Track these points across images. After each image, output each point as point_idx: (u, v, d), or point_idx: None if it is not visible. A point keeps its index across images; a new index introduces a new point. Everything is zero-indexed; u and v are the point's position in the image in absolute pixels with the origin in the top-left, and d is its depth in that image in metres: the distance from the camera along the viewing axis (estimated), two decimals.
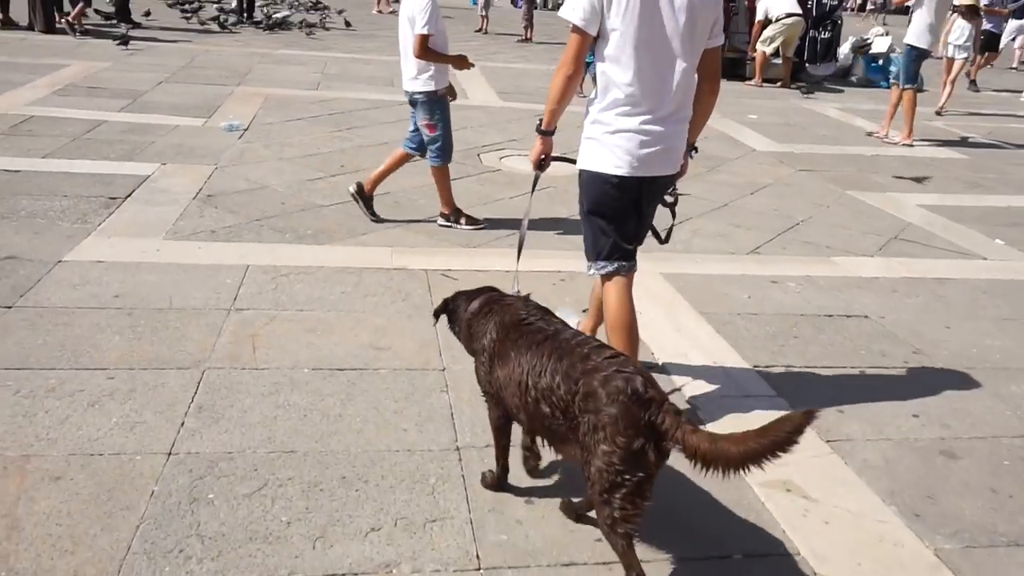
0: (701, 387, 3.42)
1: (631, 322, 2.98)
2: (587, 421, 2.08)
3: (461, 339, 2.66)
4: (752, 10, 13.21)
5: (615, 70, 2.81)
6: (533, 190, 3.26)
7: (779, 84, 12.86)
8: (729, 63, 13.29)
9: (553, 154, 3.09)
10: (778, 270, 4.94)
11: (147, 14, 14.12)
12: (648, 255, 4.89)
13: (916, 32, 8.63)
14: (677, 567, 2.37)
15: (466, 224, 5.33)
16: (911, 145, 8.99)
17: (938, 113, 11.09)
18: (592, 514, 2.35)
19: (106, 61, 10.31)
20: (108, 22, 13.41)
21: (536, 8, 17.75)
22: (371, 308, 3.96)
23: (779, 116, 10.36)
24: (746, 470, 1.96)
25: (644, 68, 2.77)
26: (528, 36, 16.55)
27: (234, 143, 6.96)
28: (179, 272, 4.19)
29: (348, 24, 15.83)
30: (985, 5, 13.85)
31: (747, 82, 12.83)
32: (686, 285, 4.54)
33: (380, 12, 19.72)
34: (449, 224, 5.34)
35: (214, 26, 14.53)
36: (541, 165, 3.08)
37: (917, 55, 8.74)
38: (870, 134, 9.54)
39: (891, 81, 13.48)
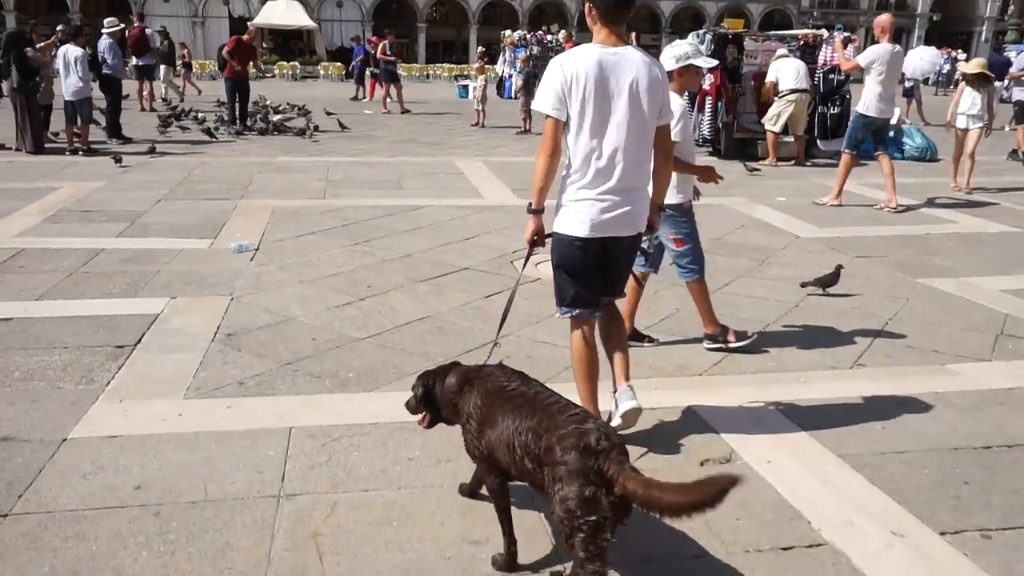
0: None
1: (590, 357, 3.46)
2: (547, 473, 2.34)
3: (443, 416, 2.87)
4: (758, 90, 12.94)
5: (576, 147, 3.25)
6: (525, 263, 3.66)
7: (793, 162, 12.48)
8: (739, 144, 12.98)
9: (547, 231, 3.39)
10: (897, 387, 4.28)
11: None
12: (750, 379, 4.40)
13: (866, 101, 8.84)
14: None
15: (736, 340, 4.73)
16: (839, 205, 9.24)
17: (968, 193, 10.51)
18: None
19: (99, 180, 9.76)
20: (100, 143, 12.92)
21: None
22: (448, 479, 3.24)
23: (807, 196, 9.87)
24: (679, 517, 2.21)
25: (600, 146, 3.21)
26: (527, 127, 16.27)
27: (247, 267, 6.33)
28: (210, 444, 3.47)
29: (343, 127, 15.45)
30: (1014, 73, 13.63)
31: (761, 162, 12.43)
32: (807, 417, 3.86)
33: (388, 112, 19.44)
34: (719, 345, 4.74)
35: (205, 136, 14.14)
36: (535, 243, 3.37)
37: (864, 123, 8.92)
38: (880, 207, 9.27)
39: (904, 152, 13.26)
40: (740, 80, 12.80)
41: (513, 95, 27.34)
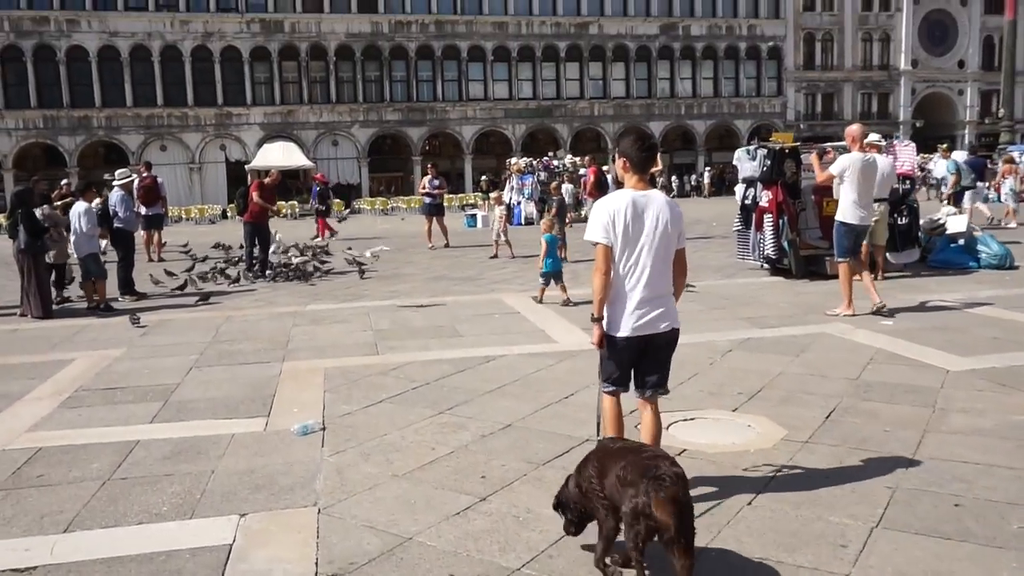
0: None
1: (621, 423, 4.28)
2: (625, 493, 3.22)
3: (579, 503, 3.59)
4: (819, 204, 12.09)
5: (618, 268, 4.07)
6: (601, 365, 4.27)
7: (874, 277, 11.43)
8: (808, 262, 12.01)
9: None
10: None
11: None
12: None
13: (843, 209, 8.99)
14: None
15: None
16: (852, 315, 8.99)
17: None
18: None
19: (117, 347, 8.59)
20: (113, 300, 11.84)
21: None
22: None
23: (918, 319, 8.77)
24: None
25: (637, 265, 4.05)
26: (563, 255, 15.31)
27: (321, 456, 5.09)
28: None
29: (361, 270, 14.26)
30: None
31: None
32: None
33: (433, 247, 18.62)
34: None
35: (223, 283, 13.11)
36: (602, 344, 4.15)
37: (846, 230, 8.98)
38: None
39: (981, 262, 12.31)
40: (800, 195, 11.95)
41: (523, 221, 26.87)
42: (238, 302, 11.59)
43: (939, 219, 13.10)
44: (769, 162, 11.86)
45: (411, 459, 4.99)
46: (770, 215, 11.89)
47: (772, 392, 6.27)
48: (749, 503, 4.19)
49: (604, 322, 4.12)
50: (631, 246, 4.03)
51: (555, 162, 29.14)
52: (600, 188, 18.09)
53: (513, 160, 28.88)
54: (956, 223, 12.92)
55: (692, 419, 5.71)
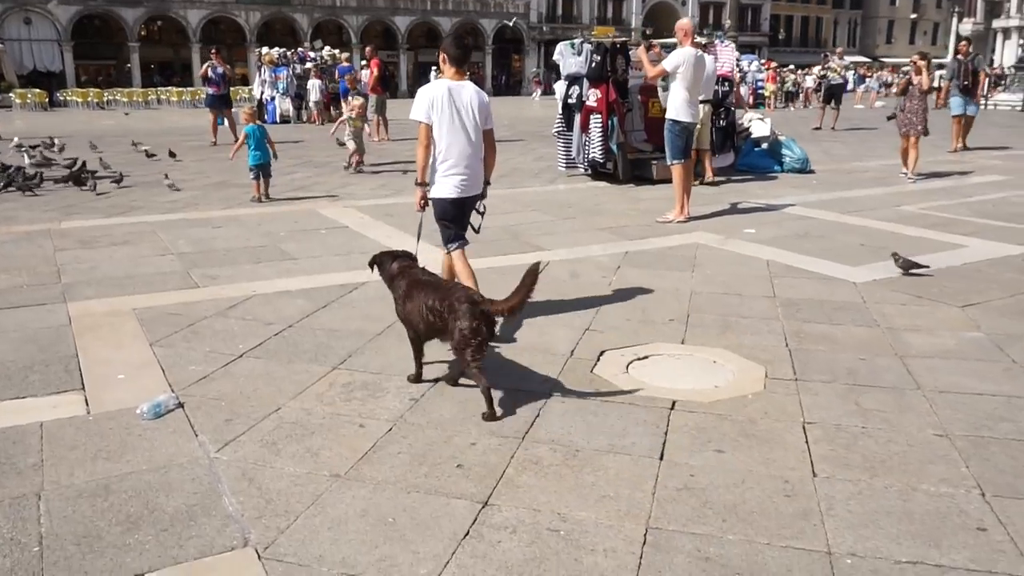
0: None
1: (470, 272, 5.09)
2: (452, 318, 3.89)
3: (384, 280, 4.46)
4: (645, 105, 11.55)
5: (440, 144, 4.88)
6: (420, 226, 5.14)
7: (698, 182, 11.20)
8: (633, 166, 11.50)
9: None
10: None
11: None
12: None
13: (675, 107, 8.47)
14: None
15: None
16: (685, 220, 8.69)
17: None
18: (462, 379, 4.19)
19: None
20: None
21: None
22: None
23: (775, 228, 8.52)
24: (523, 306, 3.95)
25: (455, 141, 4.88)
26: (359, 160, 13.62)
27: (205, 454, 3.52)
28: None
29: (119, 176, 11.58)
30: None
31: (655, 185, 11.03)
32: None
33: (215, 144, 15.93)
34: None
35: None
36: (424, 207, 5.01)
37: (680, 129, 8.51)
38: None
39: (784, 165, 12.56)
40: (628, 95, 11.29)
41: (278, 119, 24.17)
42: None
43: (744, 125, 13.16)
44: (598, 58, 11.01)
45: (342, 446, 3.59)
46: (598, 115, 11.14)
47: (703, 316, 5.53)
48: (827, 478, 3.35)
49: (433, 189, 4.99)
50: (448, 124, 4.86)
51: (311, 53, 26.45)
52: (383, 83, 16.44)
53: (265, 50, 25.72)
54: (760, 127, 13.04)
55: (646, 357, 4.80)
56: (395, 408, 4.01)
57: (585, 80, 11.27)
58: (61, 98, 36.61)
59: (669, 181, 11.31)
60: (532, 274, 3.91)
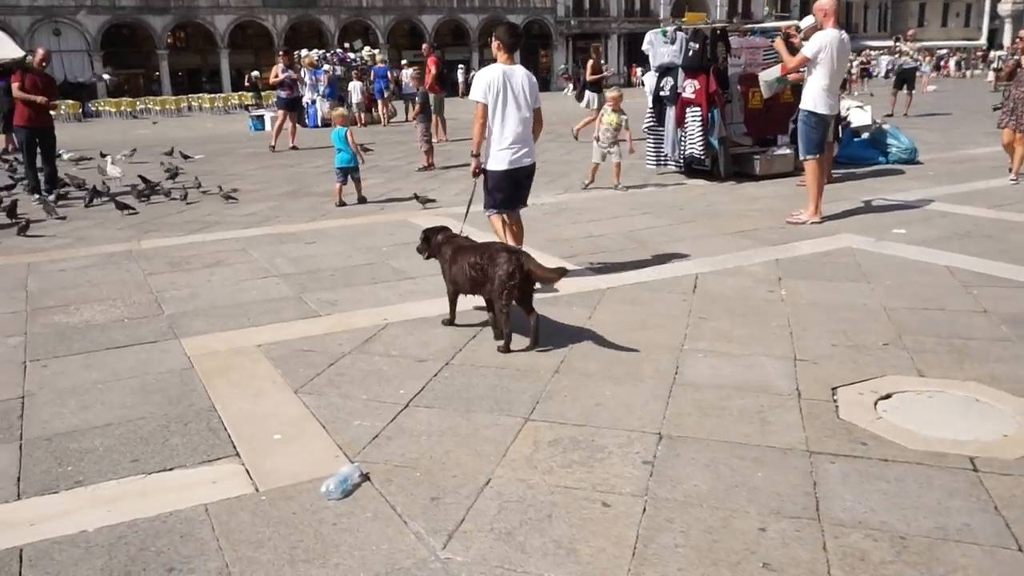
0: None
1: (507, 235, 5.80)
2: (491, 267, 4.49)
3: (431, 253, 5.14)
4: (745, 94, 10.70)
5: (496, 120, 5.54)
6: (473, 192, 5.92)
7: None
8: (734, 160, 10.66)
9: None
10: None
11: None
12: None
13: (813, 97, 7.70)
14: None
15: None
16: (819, 221, 7.82)
17: None
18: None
19: None
20: None
21: None
22: None
23: (926, 227, 7.66)
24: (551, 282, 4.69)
25: (508, 118, 5.53)
26: (430, 162, 12.87)
27: (432, 555, 2.75)
28: None
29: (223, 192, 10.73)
30: None
31: (801, 180, 10.19)
32: None
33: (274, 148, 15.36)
34: None
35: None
36: (477, 175, 5.69)
37: (816, 121, 7.75)
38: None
39: (889, 156, 11.65)
40: (728, 85, 10.44)
41: (319, 123, 23.49)
42: (31, 242, 8.12)
43: (843, 114, 12.25)
44: (696, 46, 10.17)
45: (599, 538, 2.81)
46: (696, 108, 10.31)
47: (922, 340, 4.71)
48: None
49: (484, 160, 5.62)
50: (502, 104, 5.47)
51: (351, 55, 25.79)
52: (440, 81, 15.71)
53: (304, 52, 25.06)
54: (860, 116, 12.15)
55: (889, 396, 3.99)
56: (631, 477, 3.23)
57: (680, 70, 10.43)
58: (93, 108, 36.20)
59: (773, 177, 10.62)
60: (560, 269, 4.73)
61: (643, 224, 8.12)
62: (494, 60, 5.73)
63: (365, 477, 3.26)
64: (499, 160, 5.59)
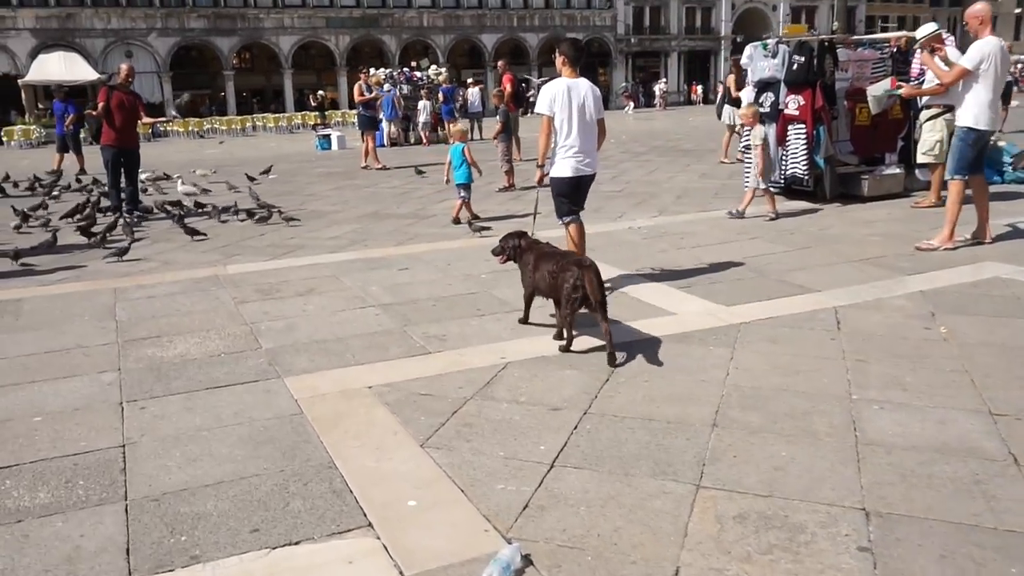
0: None
1: (582, 241, 6.13)
2: (562, 278, 4.71)
3: (512, 258, 5.33)
4: (852, 110, 10.02)
5: (562, 131, 5.74)
6: (537, 202, 6.37)
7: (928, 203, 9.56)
8: (840, 181, 10.00)
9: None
10: None
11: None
12: None
13: (974, 112, 7.00)
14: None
15: None
16: (954, 248, 7.20)
17: None
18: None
19: None
20: None
21: None
22: None
23: None
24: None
25: (573, 129, 5.73)
26: (511, 182, 12.45)
27: None
28: None
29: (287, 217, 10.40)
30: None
31: (918, 201, 9.58)
32: None
33: (368, 168, 15.34)
34: None
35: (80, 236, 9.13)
36: (543, 184, 5.95)
37: (976, 138, 7.09)
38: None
39: (1005, 177, 10.85)
40: (835, 100, 9.79)
41: (385, 142, 23.30)
42: (116, 266, 7.84)
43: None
44: (801, 59, 9.56)
45: None
46: (800, 125, 9.68)
47: None
48: None
49: (550, 168, 5.90)
50: (567, 115, 5.72)
51: (418, 73, 25.64)
52: (516, 99, 15.32)
53: (372, 71, 24.97)
54: None
55: None
56: (852, 570, 2.66)
57: (782, 85, 9.82)
58: (162, 129, 36.75)
59: (881, 199, 9.92)
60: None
61: (756, 251, 7.51)
62: (558, 75, 5.92)
63: (528, 561, 2.75)
64: (564, 167, 5.82)
